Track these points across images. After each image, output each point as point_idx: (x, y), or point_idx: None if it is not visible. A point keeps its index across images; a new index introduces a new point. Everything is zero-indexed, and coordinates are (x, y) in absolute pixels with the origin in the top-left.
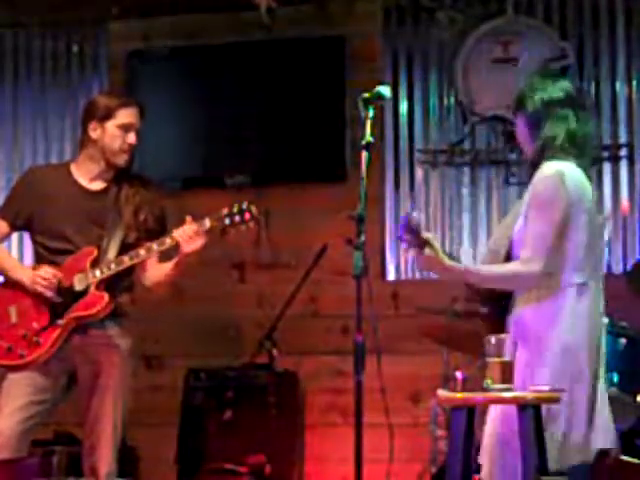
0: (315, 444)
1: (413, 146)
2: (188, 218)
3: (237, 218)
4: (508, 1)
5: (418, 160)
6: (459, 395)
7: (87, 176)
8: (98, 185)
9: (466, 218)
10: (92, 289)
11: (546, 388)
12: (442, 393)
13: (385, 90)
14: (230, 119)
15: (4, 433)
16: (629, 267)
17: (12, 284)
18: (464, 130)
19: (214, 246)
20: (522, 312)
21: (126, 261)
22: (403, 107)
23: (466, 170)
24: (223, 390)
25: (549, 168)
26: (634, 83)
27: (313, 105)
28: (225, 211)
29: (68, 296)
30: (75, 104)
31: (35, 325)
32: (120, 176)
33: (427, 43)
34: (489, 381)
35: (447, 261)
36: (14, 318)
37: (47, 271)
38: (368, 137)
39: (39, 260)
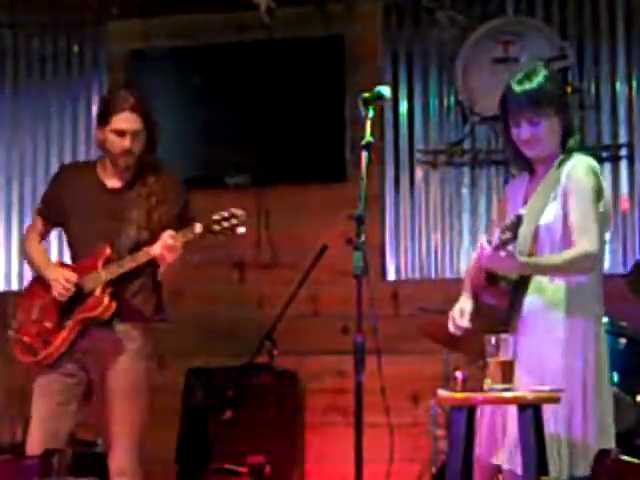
0: (315, 444)
1: (413, 146)
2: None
3: (226, 224)
4: (508, 1)
5: (418, 160)
6: (459, 395)
7: (107, 174)
8: (116, 183)
9: (466, 218)
10: (97, 291)
11: (546, 388)
12: (442, 393)
13: (385, 90)
14: (230, 119)
15: (34, 444)
16: (629, 267)
17: (43, 281)
18: (464, 130)
19: (214, 246)
20: (572, 315)
21: (127, 264)
22: (403, 107)
23: (466, 170)
24: (223, 390)
25: (588, 161)
26: (634, 83)
27: (313, 105)
28: (215, 217)
29: (77, 297)
30: (75, 104)
31: (47, 324)
32: (140, 174)
33: (427, 43)
34: (489, 381)
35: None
36: (35, 315)
37: (65, 275)
38: (368, 137)
39: (73, 256)
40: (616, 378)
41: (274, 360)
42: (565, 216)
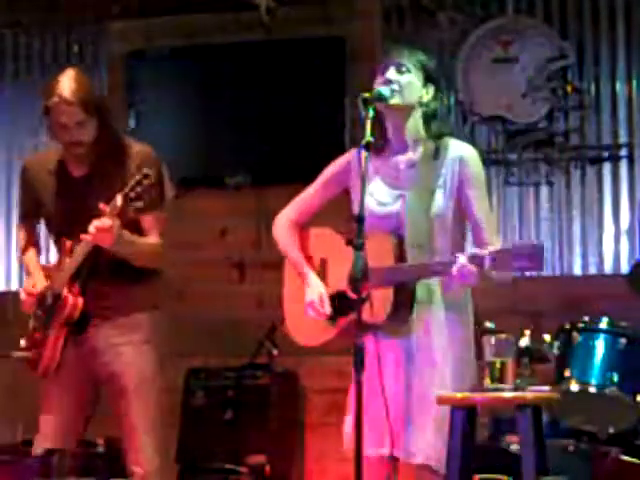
0: (315, 444)
1: None
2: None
3: (146, 183)
4: (508, 1)
5: None
6: (459, 395)
7: (70, 161)
8: (80, 171)
9: None
10: (64, 291)
11: (546, 388)
12: (442, 393)
13: (385, 90)
14: (230, 119)
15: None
16: (629, 267)
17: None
18: (464, 130)
19: (214, 246)
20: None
21: (76, 255)
22: None
23: None
24: (223, 390)
25: (473, 149)
26: (634, 83)
27: (313, 105)
28: (131, 183)
29: (54, 300)
30: None
31: (37, 336)
32: (103, 160)
33: (427, 43)
34: (489, 381)
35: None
36: (30, 327)
37: (25, 289)
38: (368, 137)
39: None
40: (616, 378)
41: (274, 360)
42: (456, 203)
